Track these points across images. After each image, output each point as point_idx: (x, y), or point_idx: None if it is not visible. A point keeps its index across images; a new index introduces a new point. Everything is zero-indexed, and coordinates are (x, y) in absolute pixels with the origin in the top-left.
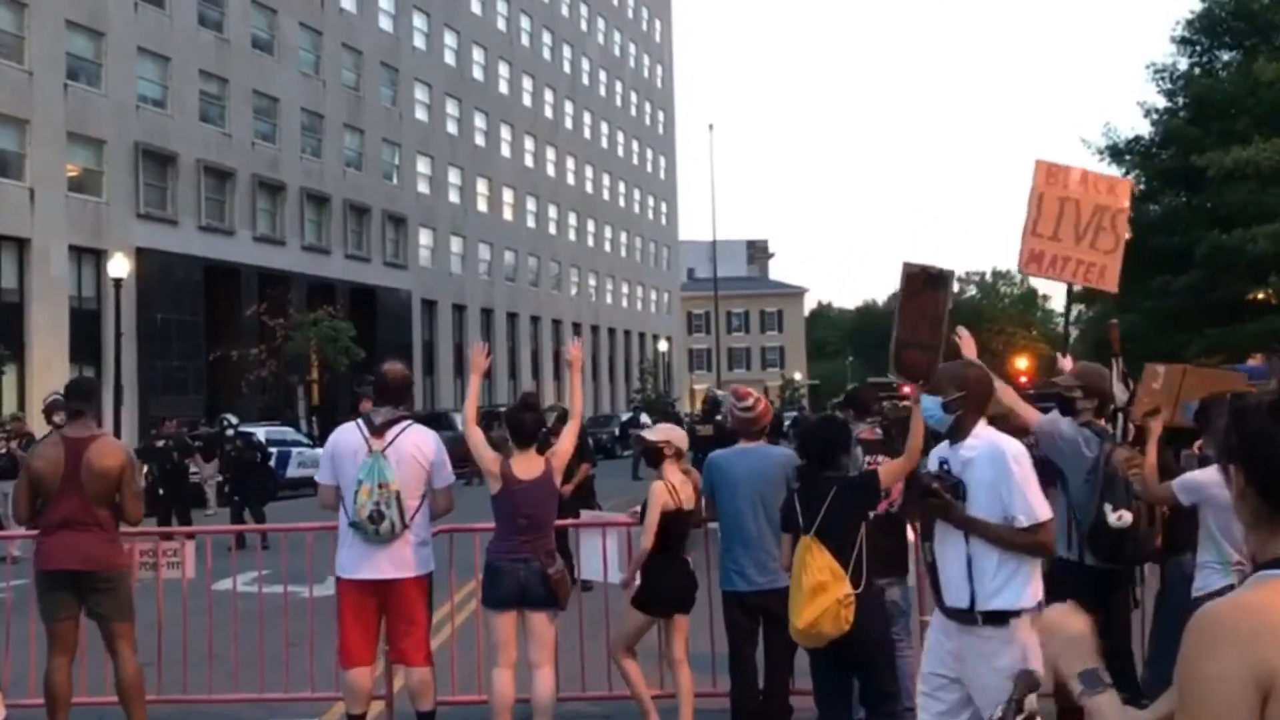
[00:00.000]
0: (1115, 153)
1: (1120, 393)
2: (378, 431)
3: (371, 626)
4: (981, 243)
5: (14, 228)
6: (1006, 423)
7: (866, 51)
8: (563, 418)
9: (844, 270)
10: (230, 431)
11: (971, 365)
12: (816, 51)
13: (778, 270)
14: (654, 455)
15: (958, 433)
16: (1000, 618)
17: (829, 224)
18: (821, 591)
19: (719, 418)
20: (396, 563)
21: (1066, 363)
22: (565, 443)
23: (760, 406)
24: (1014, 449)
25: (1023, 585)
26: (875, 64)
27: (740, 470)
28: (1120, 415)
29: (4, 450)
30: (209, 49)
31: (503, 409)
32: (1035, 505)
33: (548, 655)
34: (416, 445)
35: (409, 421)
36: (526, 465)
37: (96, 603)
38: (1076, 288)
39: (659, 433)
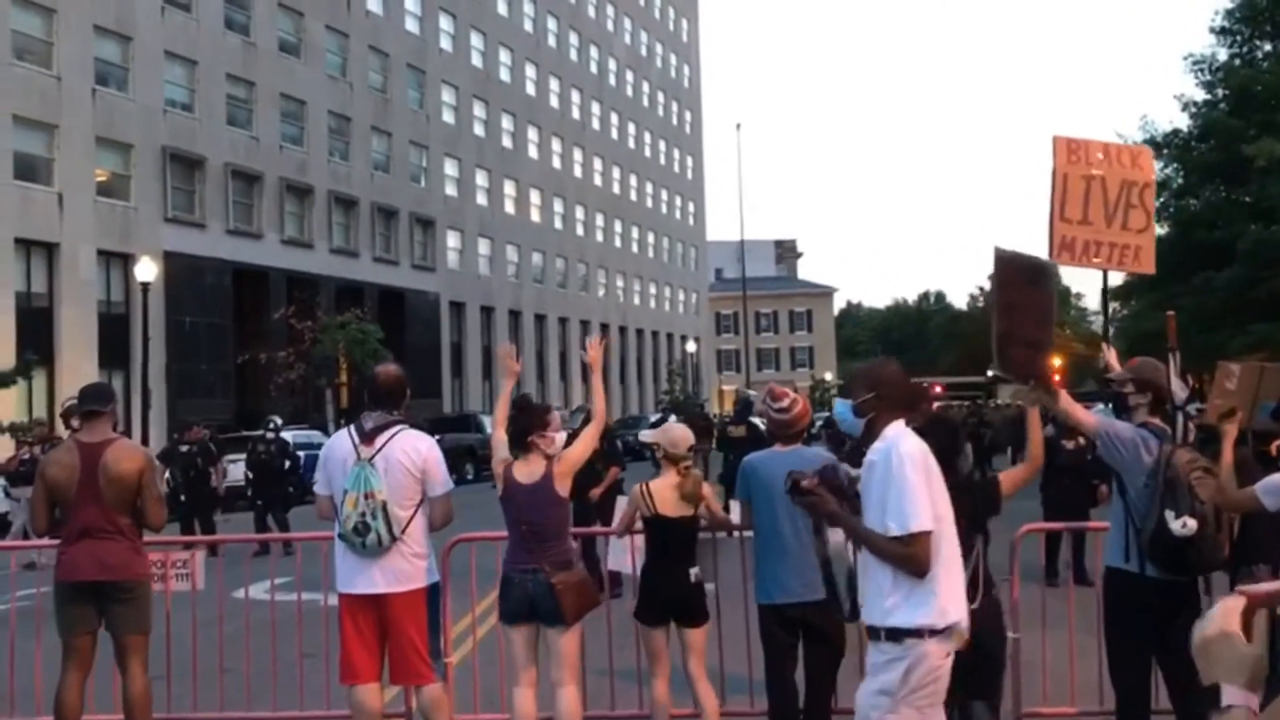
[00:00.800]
0: (1153, 146)
1: (1179, 389)
2: (367, 438)
3: (372, 641)
4: (1012, 240)
5: (43, 232)
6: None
7: (895, 48)
8: (589, 420)
9: (873, 269)
10: (270, 434)
11: (885, 364)
12: (844, 49)
13: (806, 270)
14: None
15: (869, 436)
16: (895, 635)
17: (858, 223)
18: None
19: (752, 418)
20: (389, 576)
21: (1111, 355)
22: (579, 446)
23: (798, 408)
24: (906, 450)
25: (921, 603)
26: (904, 60)
27: (776, 474)
28: (1179, 414)
29: (28, 455)
30: (236, 52)
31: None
32: (910, 514)
33: (570, 673)
34: (406, 452)
35: (401, 426)
36: (527, 469)
37: (115, 613)
38: (1115, 278)
39: (651, 434)
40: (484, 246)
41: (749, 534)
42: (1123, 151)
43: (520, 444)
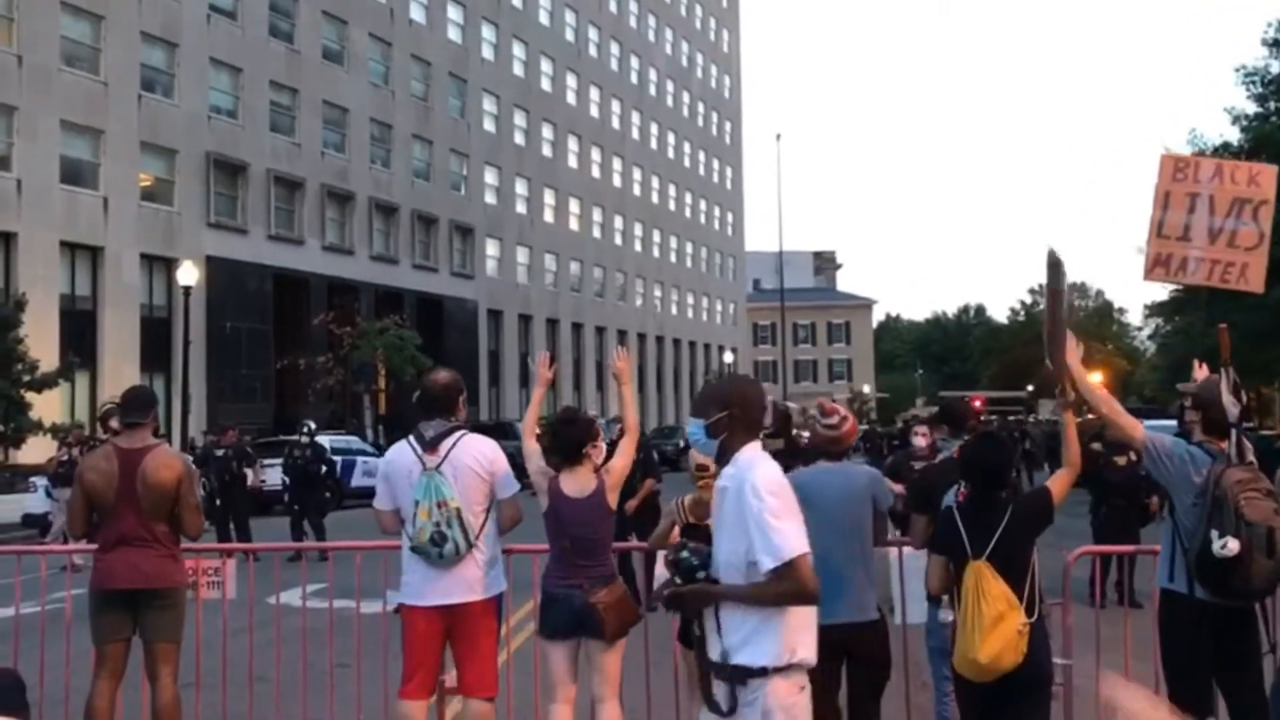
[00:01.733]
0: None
1: (1231, 406)
2: (430, 447)
3: (437, 657)
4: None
5: (88, 236)
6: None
7: (936, 58)
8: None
9: (913, 281)
10: (305, 439)
11: (738, 381)
12: (885, 60)
13: (845, 281)
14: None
15: (723, 458)
16: (742, 674)
17: (898, 234)
18: (1001, 621)
19: (793, 432)
20: (464, 585)
21: (1201, 371)
22: (620, 459)
23: (847, 425)
24: (761, 477)
25: (769, 640)
26: (945, 70)
27: (823, 492)
28: (1234, 431)
29: (66, 457)
30: (280, 60)
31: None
32: (780, 542)
33: (612, 689)
34: (474, 456)
35: (463, 432)
36: (576, 481)
37: (149, 621)
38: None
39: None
40: (522, 255)
41: None
42: (1238, 169)
43: (571, 455)
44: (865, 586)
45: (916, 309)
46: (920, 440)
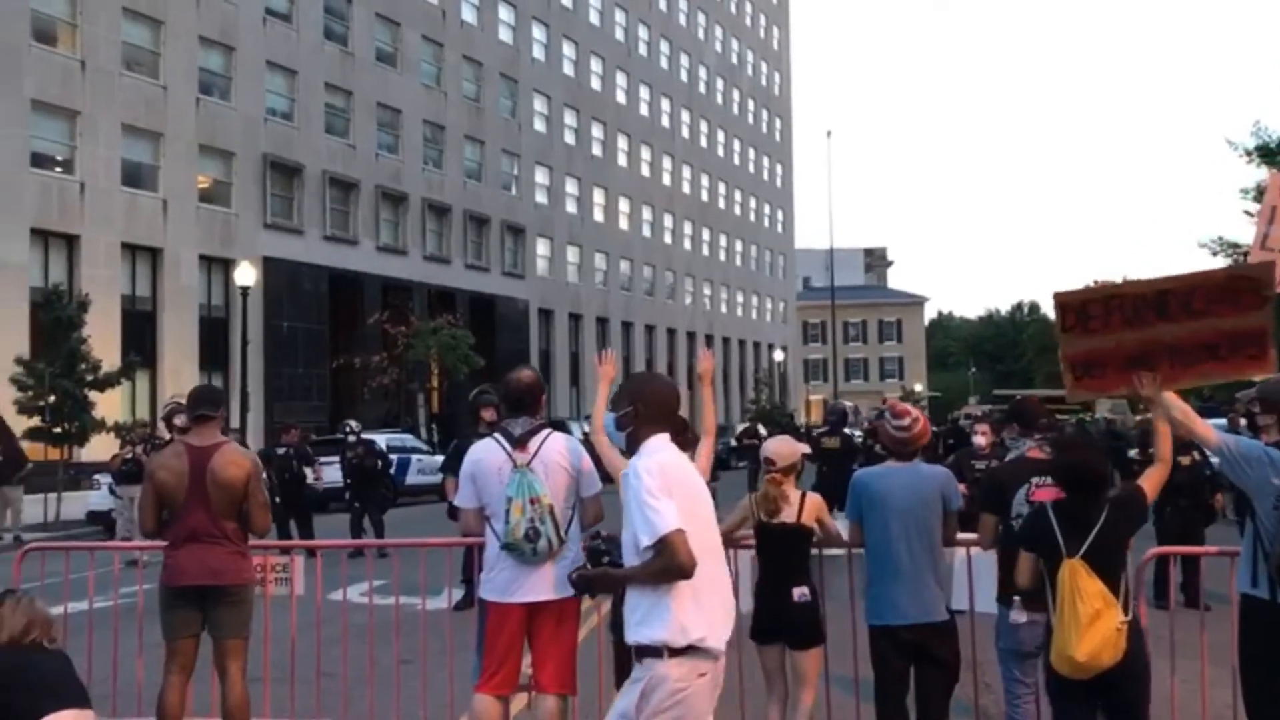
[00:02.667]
0: (1266, 153)
1: None
2: (519, 444)
3: (520, 653)
4: (1109, 249)
5: (148, 237)
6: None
7: (987, 53)
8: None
9: (965, 279)
10: (352, 438)
11: (649, 378)
12: (936, 55)
13: (896, 279)
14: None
15: (631, 449)
16: (640, 652)
17: (950, 231)
18: (1098, 619)
19: (846, 430)
20: (550, 583)
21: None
22: (703, 460)
23: (919, 426)
24: (644, 461)
25: (659, 619)
26: (997, 65)
27: (892, 492)
28: None
29: (130, 455)
30: (334, 62)
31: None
32: (654, 520)
33: None
34: (562, 453)
35: (549, 430)
36: None
37: (218, 617)
38: None
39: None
40: (573, 254)
41: (858, 551)
42: None
43: None
44: (934, 587)
45: (969, 306)
46: (981, 439)
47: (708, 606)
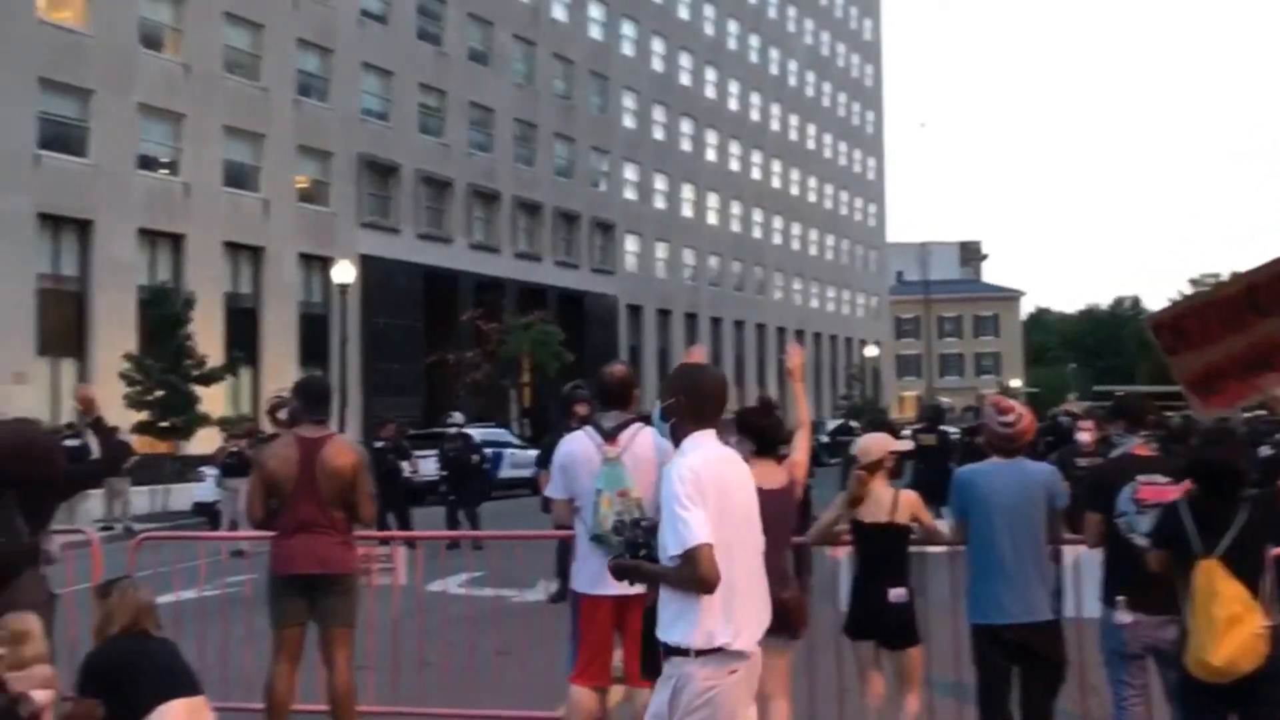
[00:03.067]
0: None
1: None
2: (610, 437)
3: (612, 645)
4: (1213, 241)
5: (250, 236)
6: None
7: (1084, 42)
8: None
9: (1064, 272)
10: (453, 430)
11: (693, 369)
12: (1031, 43)
13: (992, 273)
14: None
15: (675, 442)
16: (668, 650)
17: (1047, 224)
18: (1237, 623)
19: (943, 428)
20: None
21: None
22: (801, 453)
23: (1024, 422)
24: (683, 466)
25: (687, 622)
26: (1095, 52)
27: (996, 488)
28: None
29: (235, 449)
30: (428, 62)
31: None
32: (681, 531)
33: (782, 686)
34: (651, 448)
35: (640, 425)
36: (767, 474)
37: (325, 606)
38: None
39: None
40: (662, 250)
41: (960, 549)
42: None
43: (768, 448)
44: (1039, 586)
45: (1068, 301)
46: (1085, 436)
47: (739, 608)
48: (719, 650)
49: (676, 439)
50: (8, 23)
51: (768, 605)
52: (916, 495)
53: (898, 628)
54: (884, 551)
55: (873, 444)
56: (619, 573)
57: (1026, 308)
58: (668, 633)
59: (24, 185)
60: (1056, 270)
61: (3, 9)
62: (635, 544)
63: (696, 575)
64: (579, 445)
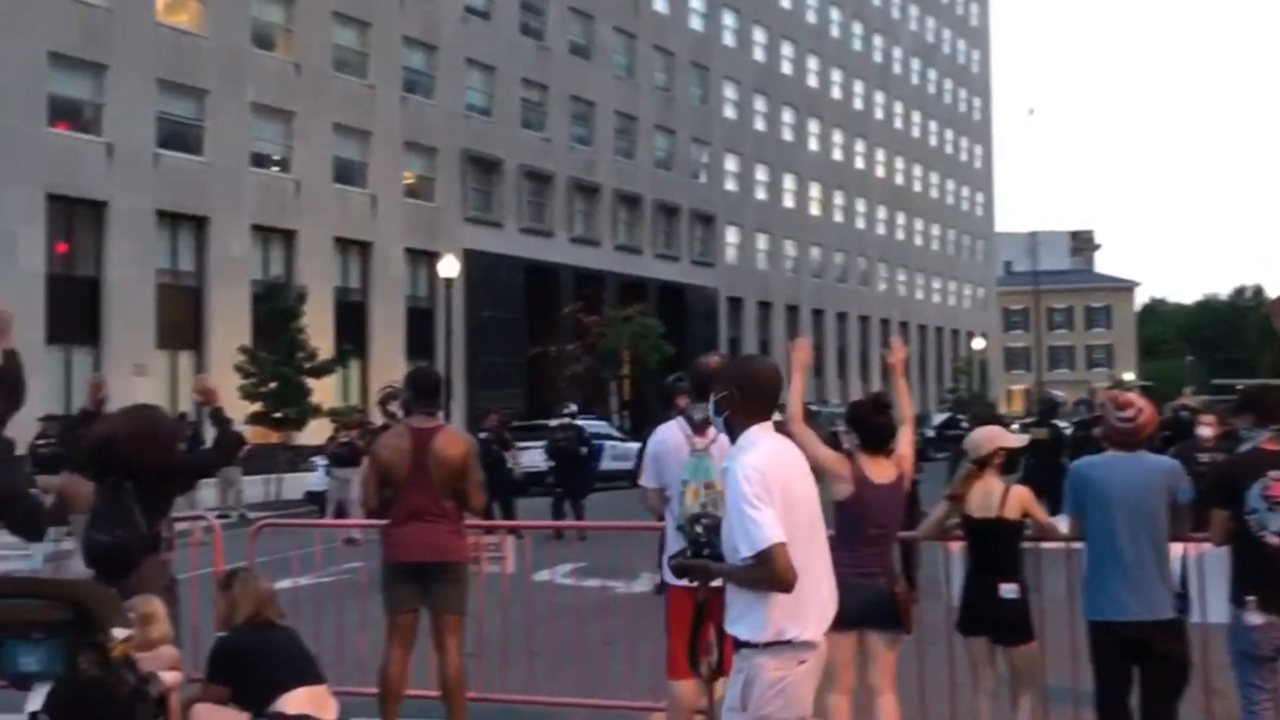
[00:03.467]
0: None
1: None
2: (700, 428)
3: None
4: None
5: (358, 232)
6: None
7: (1201, 21)
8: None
9: (1180, 261)
10: (564, 421)
11: (747, 360)
12: (1145, 26)
13: (1105, 262)
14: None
15: (731, 437)
16: (738, 644)
17: (1163, 212)
18: None
19: (1055, 422)
20: None
21: None
22: (906, 447)
23: (1144, 416)
24: (747, 464)
25: (755, 615)
26: (1211, 33)
27: (1115, 482)
28: None
29: (345, 440)
30: (530, 57)
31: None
32: (754, 531)
33: (890, 681)
34: None
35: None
36: (879, 469)
37: (437, 593)
38: None
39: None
40: (762, 241)
41: (1076, 547)
42: None
43: (882, 444)
44: (1160, 583)
45: (1185, 291)
46: (1206, 430)
47: (807, 601)
48: (788, 642)
49: (731, 433)
50: (129, 27)
51: (834, 595)
52: (1028, 491)
53: (1011, 623)
54: (994, 547)
55: (983, 439)
56: (680, 571)
57: (1141, 298)
58: (736, 627)
59: (145, 184)
60: (1173, 259)
61: (124, 14)
62: (698, 542)
63: (774, 576)
64: (670, 435)
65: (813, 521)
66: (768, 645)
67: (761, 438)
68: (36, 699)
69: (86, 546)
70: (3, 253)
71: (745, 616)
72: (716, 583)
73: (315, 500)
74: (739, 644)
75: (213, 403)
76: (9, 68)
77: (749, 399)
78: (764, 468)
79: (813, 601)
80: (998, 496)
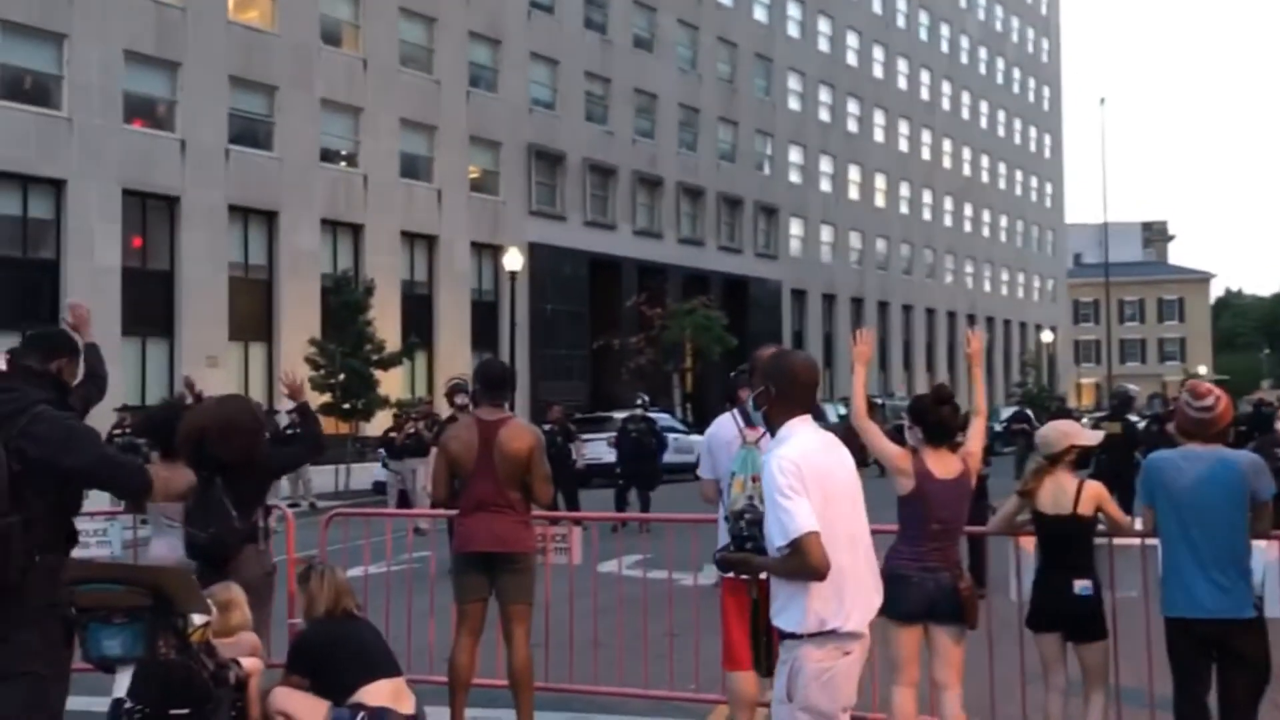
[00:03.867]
0: None
1: None
2: (752, 422)
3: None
4: None
5: (424, 225)
6: None
7: (1276, 10)
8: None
9: (1257, 253)
10: (639, 412)
11: (784, 355)
12: (1217, 11)
13: (1178, 254)
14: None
15: (770, 430)
16: (782, 635)
17: (1239, 201)
18: None
19: (1129, 416)
20: None
21: None
22: (975, 442)
23: (1221, 406)
24: (780, 455)
25: (798, 607)
26: None
27: (1191, 476)
28: None
29: (412, 430)
30: (594, 50)
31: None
32: (787, 521)
33: (956, 676)
34: None
35: None
36: (942, 463)
37: (504, 583)
38: None
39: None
40: (826, 233)
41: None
42: None
43: (946, 438)
44: (1239, 581)
45: (1262, 283)
46: None
47: (849, 592)
48: (831, 632)
49: (771, 427)
50: (202, 25)
51: (879, 586)
52: (1101, 486)
53: (1083, 620)
54: (1068, 544)
55: (1056, 435)
56: (724, 565)
57: (1216, 290)
58: (780, 619)
59: (217, 179)
60: (1250, 250)
61: (197, 12)
62: (740, 536)
63: (806, 564)
64: (724, 428)
65: (853, 513)
66: (811, 636)
67: (799, 430)
68: (122, 685)
69: (187, 543)
70: (81, 248)
71: (788, 608)
72: (761, 576)
73: (382, 490)
74: (784, 635)
75: (299, 398)
76: (89, 67)
77: (785, 393)
78: (799, 459)
79: (855, 592)
80: (1071, 493)
